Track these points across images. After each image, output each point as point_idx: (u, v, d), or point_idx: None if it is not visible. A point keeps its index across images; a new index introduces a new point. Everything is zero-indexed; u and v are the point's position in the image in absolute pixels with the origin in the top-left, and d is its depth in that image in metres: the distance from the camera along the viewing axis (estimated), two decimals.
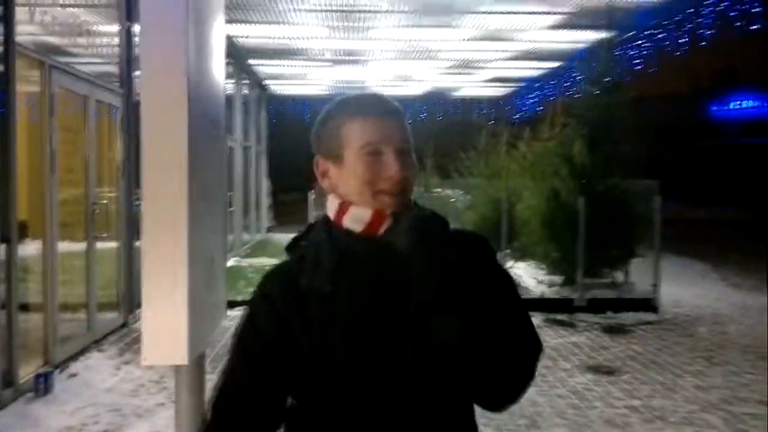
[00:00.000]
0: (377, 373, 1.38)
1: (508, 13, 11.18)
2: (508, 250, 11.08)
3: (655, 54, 12.53)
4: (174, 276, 2.55)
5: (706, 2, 10.62)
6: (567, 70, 15.20)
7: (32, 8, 6.52)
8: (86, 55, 7.99)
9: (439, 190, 13.71)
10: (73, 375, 6.30)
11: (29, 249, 6.31)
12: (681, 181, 29.54)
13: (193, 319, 2.58)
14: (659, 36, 12.01)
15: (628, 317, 9.06)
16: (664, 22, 11.70)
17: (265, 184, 19.61)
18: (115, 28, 8.47)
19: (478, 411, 1.50)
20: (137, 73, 8.41)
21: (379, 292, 1.40)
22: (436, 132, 19.00)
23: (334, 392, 1.40)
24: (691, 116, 40.91)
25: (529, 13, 11.24)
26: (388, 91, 9.30)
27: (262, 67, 16.64)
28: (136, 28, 8.35)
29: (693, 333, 8.27)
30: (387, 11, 11.09)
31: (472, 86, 19.71)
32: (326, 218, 1.49)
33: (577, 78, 12.54)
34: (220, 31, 3.13)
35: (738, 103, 41.58)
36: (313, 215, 10.46)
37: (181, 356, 2.56)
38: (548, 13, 11.24)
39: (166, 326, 2.55)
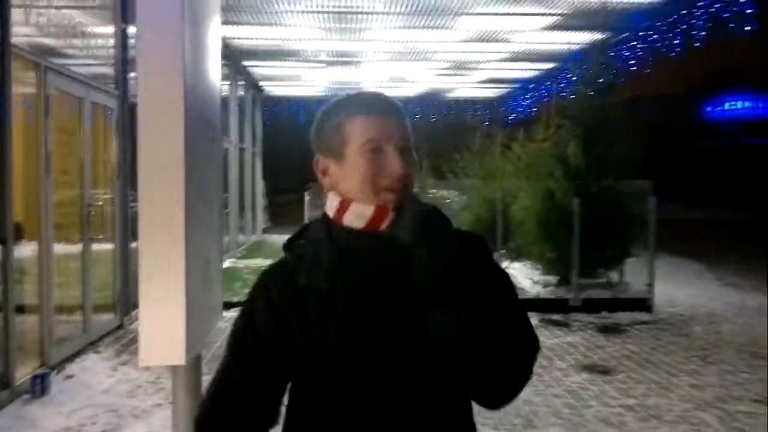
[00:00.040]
0: (375, 370, 1.39)
1: (502, 14, 11.21)
2: (504, 251, 11.11)
3: (649, 55, 12.57)
4: (171, 277, 2.56)
5: (699, 3, 10.66)
6: (561, 72, 15.24)
7: (28, 10, 6.52)
8: (81, 56, 7.98)
9: (435, 191, 13.72)
10: (70, 376, 6.30)
11: (25, 251, 6.31)
12: (676, 182, 29.64)
13: (190, 320, 2.59)
14: (653, 37, 12.05)
15: (623, 317, 9.10)
16: (657, 24, 11.74)
17: (260, 186, 19.61)
18: (110, 29, 8.47)
19: (474, 410, 1.51)
20: (132, 74, 8.41)
21: (379, 288, 1.40)
22: (431, 133, 19.00)
23: (331, 389, 1.41)
24: (685, 117, 41.01)
25: (523, 14, 11.27)
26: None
27: (257, 68, 16.65)
28: (131, 30, 8.36)
29: (688, 332, 8.31)
30: (382, 13, 11.10)
31: (467, 87, 19.76)
32: (325, 217, 1.50)
33: (572, 79, 12.57)
34: (215, 32, 3.14)
35: (732, 103, 41.71)
36: (309, 216, 10.46)
37: (178, 357, 2.57)
38: (542, 14, 11.27)
39: (163, 327, 2.56)
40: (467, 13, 11.19)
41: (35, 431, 5.05)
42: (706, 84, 40.65)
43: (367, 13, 11.18)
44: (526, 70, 16.64)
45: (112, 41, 8.44)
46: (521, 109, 19.86)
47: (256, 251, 15.35)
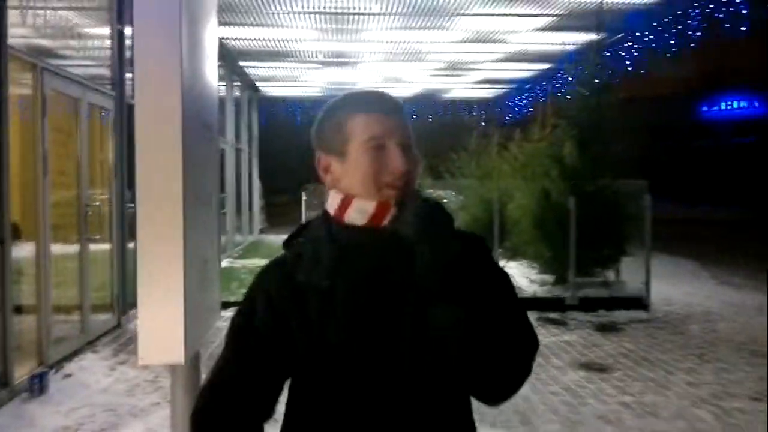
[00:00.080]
0: (375, 366, 1.40)
1: (498, 15, 11.23)
2: (500, 250, 11.13)
3: (644, 55, 12.61)
4: (170, 277, 2.58)
5: (694, 4, 10.69)
6: (557, 72, 15.27)
7: (24, 11, 6.53)
8: (78, 57, 7.99)
9: (431, 191, 13.73)
10: (68, 376, 6.31)
11: (22, 251, 6.33)
12: (672, 182, 29.67)
13: (189, 319, 2.61)
14: (649, 38, 12.08)
15: (619, 315, 9.12)
16: (653, 24, 11.78)
17: (257, 186, 19.62)
18: (106, 30, 8.47)
19: (473, 407, 1.52)
20: (129, 75, 8.42)
21: (380, 284, 1.41)
22: (427, 133, 19.01)
23: (332, 386, 1.42)
24: (682, 117, 41.05)
25: (519, 15, 11.30)
26: None
27: (254, 69, 16.65)
28: (128, 31, 8.37)
29: (684, 330, 8.34)
30: (378, 14, 11.12)
31: (463, 88, 19.78)
32: (325, 215, 1.51)
33: (568, 80, 12.61)
34: (212, 33, 3.16)
35: (728, 103, 41.77)
36: (306, 216, 10.46)
37: (177, 355, 2.59)
38: (538, 15, 11.30)
39: (162, 326, 2.58)
40: (463, 14, 11.22)
41: (34, 430, 5.06)
42: (701, 84, 40.69)
43: (363, 14, 11.20)
44: (522, 70, 16.67)
45: (108, 42, 8.45)
46: (518, 110, 19.89)
47: (253, 251, 15.36)
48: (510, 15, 11.27)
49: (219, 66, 3.47)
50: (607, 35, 11.78)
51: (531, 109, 18.24)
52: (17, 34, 6.13)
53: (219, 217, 3.55)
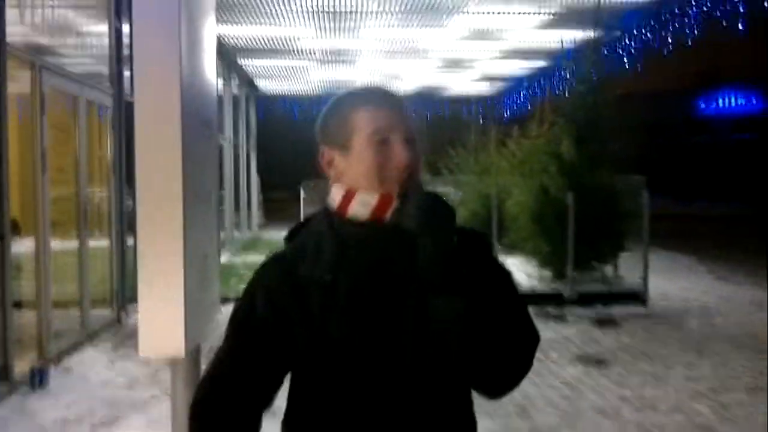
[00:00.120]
0: (377, 360, 1.41)
1: (497, 13, 11.24)
2: (499, 246, 11.15)
3: (642, 53, 12.61)
4: (170, 272, 2.61)
5: (692, 2, 10.70)
6: (555, 69, 15.28)
7: (22, 9, 6.54)
8: (76, 55, 8.01)
9: (430, 187, 13.76)
10: (68, 370, 6.34)
11: (22, 247, 6.35)
12: (669, 178, 29.70)
13: (189, 314, 2.64)
14: (646, 35, 12.09)
15: (617, 310, 9.14)
16: (650, 22, 11.78)
17: (256, 182, 19.62)
18: (104, 28, 8.48)
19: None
20: (127, 73, 8.44)
21: (382, 277, 1.42)
22: (426, 130, 19.04)
23: (333, 380, 1.43)
24: (679, 114, 41.04)
25: (517, 13, 11.30)
26: None
27: (252, 65, 16.65)
28: (126, 28, 8.38)
29: (681, 325, 8.37)
30: (376, 11, 11.12)
31: (461, 84, 19.77)
32: (327, 209, 1.52)
33: (565, 77, 12.63)
34: (211, 30, 3.18)
35: (725, 100, 41.78)
36: (304, 212, 10.47)
37: (177, 349, 2.62)
38: (536, 12, 11.31)
39: (162, 320, 2.60)
40: (462, 12, 11.22)
41: (34, 423, 5.08)
42: (698, 81, 40.68)
43: (361, 11, 11.20)
44: (520, 67, 16.67)
45: (106, 40, 8.46)
46: (516, 106, 19.89)
47: (251, 247, 15.38)
48: (508, 13, 11.27)
49: (217, 63, 3.49)
50: (605, 33, 11.78)
51: (529, 106, 18.24)
52: (16, 32, 6.15)
53: (218, 213, 3.58)
